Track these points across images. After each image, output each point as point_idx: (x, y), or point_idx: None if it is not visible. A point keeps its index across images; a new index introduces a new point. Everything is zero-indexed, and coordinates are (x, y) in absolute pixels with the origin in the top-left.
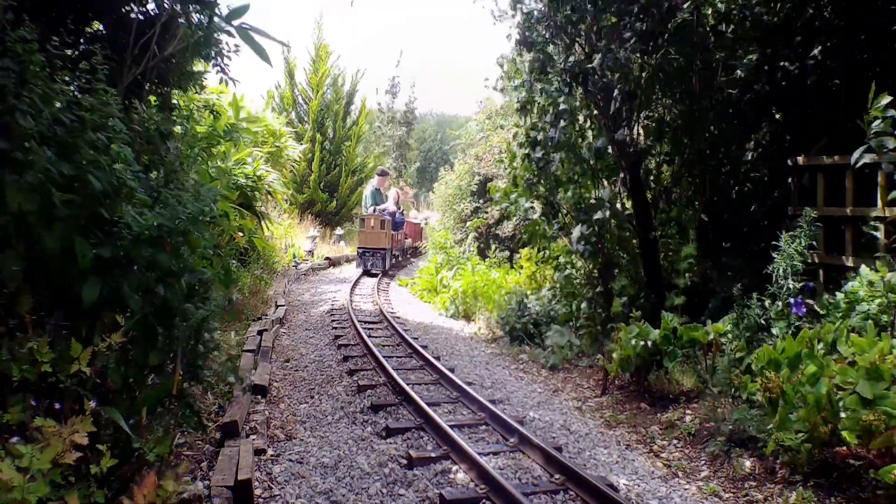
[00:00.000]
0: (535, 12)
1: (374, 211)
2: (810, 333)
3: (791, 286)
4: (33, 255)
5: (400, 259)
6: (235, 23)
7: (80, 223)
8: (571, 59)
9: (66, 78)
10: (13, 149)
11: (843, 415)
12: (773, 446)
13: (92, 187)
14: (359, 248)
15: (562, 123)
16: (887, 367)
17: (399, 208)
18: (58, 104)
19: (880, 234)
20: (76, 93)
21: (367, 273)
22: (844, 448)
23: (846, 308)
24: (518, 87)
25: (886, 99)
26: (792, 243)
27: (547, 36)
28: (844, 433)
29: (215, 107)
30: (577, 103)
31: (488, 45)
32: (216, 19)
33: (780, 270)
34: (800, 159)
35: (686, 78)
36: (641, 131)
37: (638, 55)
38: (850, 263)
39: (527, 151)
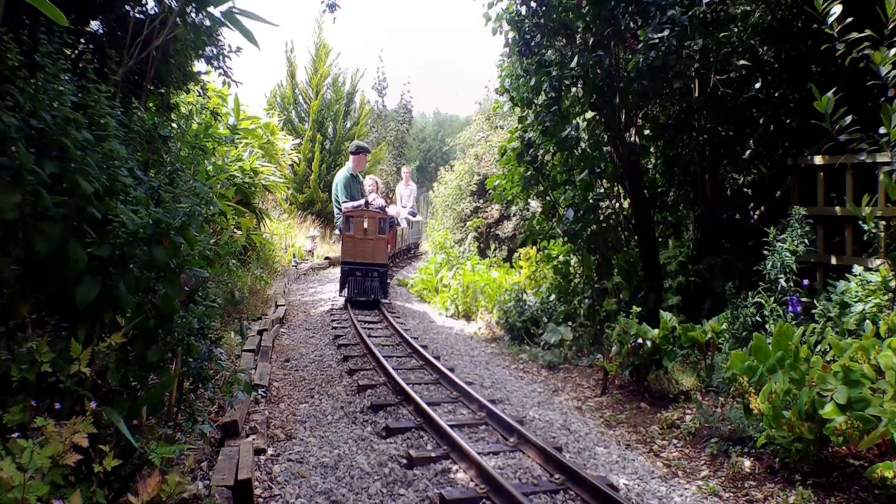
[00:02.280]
0: (529, 21)
1: (367, 206)
2: (796, 335)
3: (783, 284)
4: (31, 256)
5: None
6: (224, 7)
7: (73, 224)
8: (568, 59)
9: (66, 77)
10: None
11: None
12: (763, 440)
13: (83, 188)
14: (343, 263)
15: (549, 123)
16: (860, 369)
17: (385, 203)
18: (51, 103)
19: (881, 234)
20: (77, 93)
21: (352, 301)
22: (844, 448)
23: (837, 308)
24: (514, 89)
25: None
26: (784, 241)
27: (543, 42)
28: (828, 433)
29: (216, 108)
30: (580, 100)
31: (486, 48)
32: (207, 9)
33: (769, 267)
34: (799, 159)
35: (683, 77)
36: (639, 131)
37: (631, 55)
38: (848, 263)
39: (520, 151)
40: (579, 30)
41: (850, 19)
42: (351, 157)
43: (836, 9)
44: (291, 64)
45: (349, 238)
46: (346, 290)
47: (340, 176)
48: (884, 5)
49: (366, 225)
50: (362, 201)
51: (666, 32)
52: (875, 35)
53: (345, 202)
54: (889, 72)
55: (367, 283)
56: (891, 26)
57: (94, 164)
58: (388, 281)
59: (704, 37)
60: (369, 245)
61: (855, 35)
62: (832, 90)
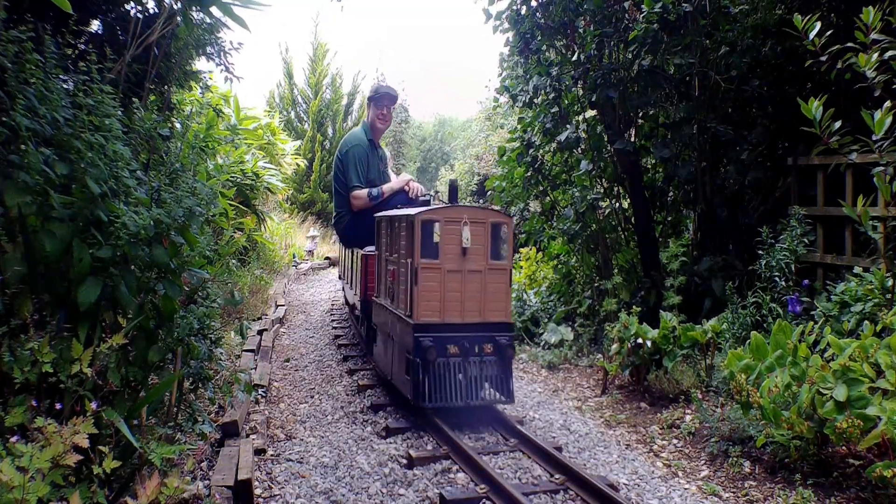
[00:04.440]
0: (529, 21)
1: (437, 199)
2: (795, 334)
3: (781, 283)
4: (33, 256)
5: None
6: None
7: (79, 225)
8: (568, 59)
9: (66, 77)
10: (11, 151)
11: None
12: (762, 440)
13: (90, 190)
14: (418, 328)
15: (550, 125)
16: (859, 368)
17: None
18: (58, 104)
19: (877, 235)
20: (77, 93)
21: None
22: (843, 447)
23: (837, 307)
24: (513, 87)
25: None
26: (784, 241)
27: (543, 41)
28: (828, 432)
29: (218, 106)
30: (580, 99)
31: (487, 48)
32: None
33: (763, 266)
34: (799, 159)
35: (683, 76)
36: (638, 131)
37: (631, 56)
38: (848, 263)
39: (520, 152)
40: (579, 29)
41: (829, 32)
42: (369, 107)
43: (817, 24)
44: (288, 64)
45: (431, 270)
46: (419, 387)
47: (352, 141)
48: (861, 15)
49: (466, 238)
50: (397, 183)
51: (670, 2)
52: (855, 45)
53: (356, 189)
54: (874, 76)
55: (474, 368)
56: (871, 35)
57: (102, 165)
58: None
59: (705, 24)
60: (474, 284)
61: (838, 47)
62: (820, 95)
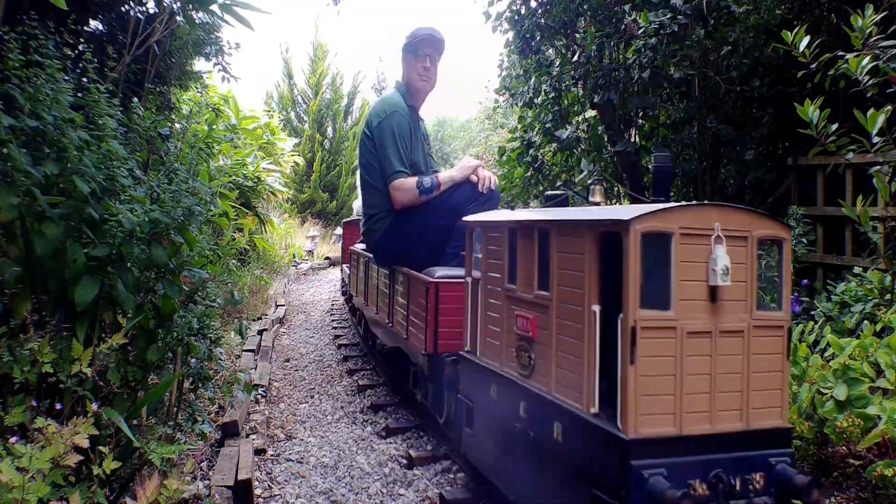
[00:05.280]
0: (528, 21)
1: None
2: (795, 333)
3: None
4: (30, 257)
5: None
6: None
7: (71, 225)
8: (569, 58)
9: (65, 77)
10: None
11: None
12: None
13: (79, 189)
14: (633, 462)
15: (550, 124)
16: (859, 368)
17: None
18: (49, 103)
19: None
20: (76, 92)
21: None
22: (843, 447)
23: (837, 307)
24: (513, 87)
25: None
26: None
27: (542, 41)
28: (828, 432)
29: (217, 107)
30: (580, 99)
31: (487, 48)
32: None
33: (763, 266)
34: (799, 159)
35: (684, 77)
36: (639, 131)
37: (630, 60)
38: (848, 263)
39: (521, 152)
40: (579, 29)
41: (819, 40)
42: (404, 61)
43: (805, 38)
44: (288, 64)
45: (660, 332)
46: None
47: (388, 108)
48: (850, 23)
49: (723, 268)
50: (460, 170)
51: (667, 18)
52: (846, 53)
53: (399, 177)
54: (867, 79)
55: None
56: (862, 39)
57: (92, 164)
58: None
59: (706, 30)
60: (731, 358)
61: (828, 56)
62: (819, 97)
